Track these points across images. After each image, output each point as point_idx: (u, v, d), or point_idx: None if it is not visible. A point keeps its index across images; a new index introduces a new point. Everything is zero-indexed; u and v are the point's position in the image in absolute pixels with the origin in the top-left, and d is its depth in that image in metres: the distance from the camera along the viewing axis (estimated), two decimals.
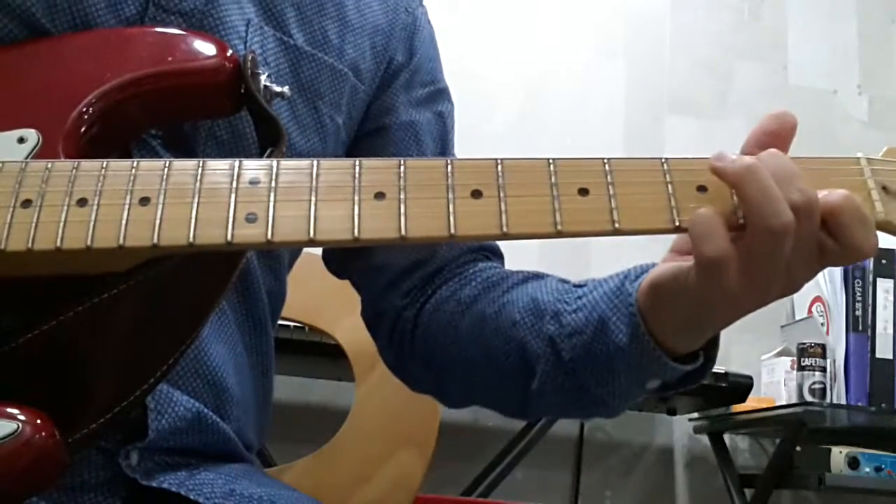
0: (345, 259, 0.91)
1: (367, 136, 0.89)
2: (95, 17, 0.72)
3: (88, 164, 0.61)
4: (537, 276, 0.81)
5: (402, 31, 0.90)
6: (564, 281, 0.78)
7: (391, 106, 0.89)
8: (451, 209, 0.59)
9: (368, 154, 0.86)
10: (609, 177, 0.61)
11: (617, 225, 0.59)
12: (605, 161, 0.61)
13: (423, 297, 0.86)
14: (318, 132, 0.81)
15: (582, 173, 0.61)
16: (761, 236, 0.58)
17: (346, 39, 0.84)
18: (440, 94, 0.93)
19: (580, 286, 0.75)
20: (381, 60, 0.88)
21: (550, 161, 0.61)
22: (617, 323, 0.68)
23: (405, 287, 0.86)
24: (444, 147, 0.93)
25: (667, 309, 0.65)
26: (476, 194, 0.59)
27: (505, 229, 0.59)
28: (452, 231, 0.58)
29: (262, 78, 0.72)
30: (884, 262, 2.22)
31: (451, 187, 0.60)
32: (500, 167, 0.60)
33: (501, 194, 0.59)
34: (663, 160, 0.62)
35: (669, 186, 0.61)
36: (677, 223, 0.60)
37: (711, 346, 0.69)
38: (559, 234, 0.59)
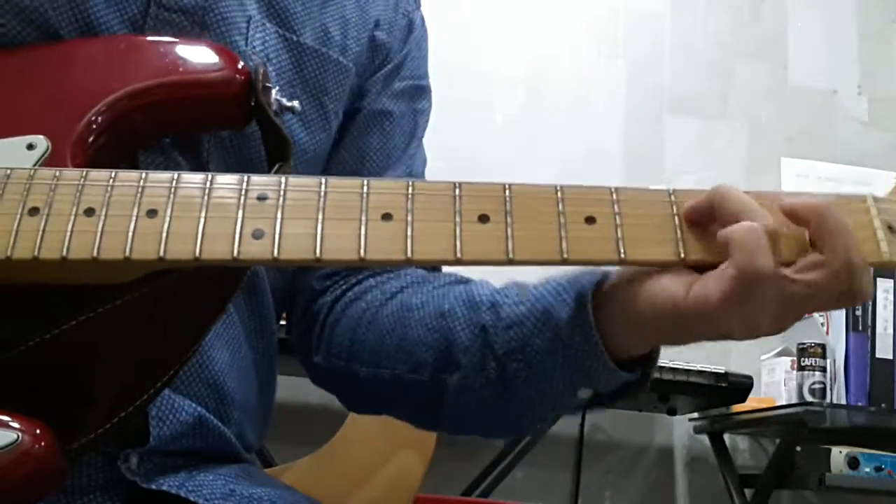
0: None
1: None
2: (97, 15, 0.72)
3: (97, 174, 0.60)
4: (465, 281, 0.78)
5: (399, 31, 0.90)
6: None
7: (367, 91, 0.88)
8: (457, 233, 0.59)
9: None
10: (616, 206, 0.61)
11: (623, 255, 0.60)
12: (613, 190, 0.61)
13: (346, 285, 0.83)
14: (324, 129, 0.81)
15: (589, 202, 0.61)
16: (836, 271, 0.59)
17: (348, 35, 0.84)
18: (421, 92, 0.93)
19: (520, 287, 0.72)
20: (377, 55, 0.88)
21: (558, 188, 0.61)
22: (563, 314, 0.66)
23: (325, 271, 0.84)
24: (408, 144, 0.91)
25: (629, 306, 0.63)
26: (483, 219, 0.59)
27: (511, 255, 0.59)
28: (459, 255, 0.58)
29: (273, 92, 0.72)
30: None
31: (458, 211, 0.59)
32: (507, 192, 0.60)
33: (509, 220, 0.59)
34: (671, 191, 0.62)
35: (676, 219, 0.61)
36: (682, 255, 0.60)
37: (649, 363, 0.68)
38: (565, 262, 0.59)
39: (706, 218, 0.61)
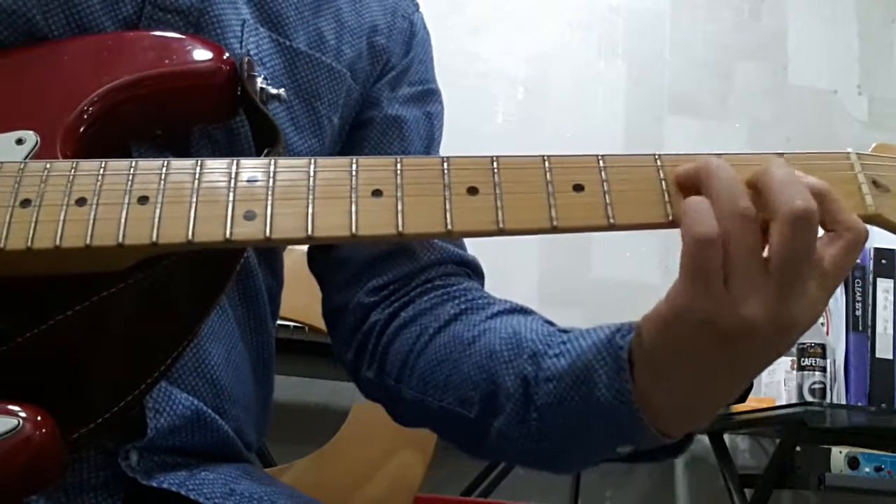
0: (311, 251, 0.88)
1: (350, 130, 0.88)
2: (91, 17, 0.72)
3: (87, 164, 0.61)
4: (523, 311, 0.77)
5: (399, 34, 0.90)
6: (550, 323, 0.74)
7: (375, 99, 0.88)
8: (447, 206, 0.59)
9: (350, 147, 0.86)
10: (603, 173, 0.61)
11: (612, 220, 0.60)
12: (600, 157, 0.62)
13: (398, 302, 0.81)
14: (315, 133, 0.81)
15: (576, 170, 0.61)
16: (782, 225, 0.56)
17: (343, 40, 0.84)
18: (430, 95, 0.93)
19: (565, 331, 0.71)
20: (377, 61, 0.88)
21: (545, 158, 0.61)
22: (602, 377, 0.64)
23: (373, 284, 0.82)
24: (429, 148, 0.91)
25: (657, 365, 0.62)
26: (472, 191, 0.60)
27: (501, 225, 0.59)
28: (449, 227, 0.59)
29: (259, 80, 0.73)
30: (884, 262, 2.22)
31: (447, 185, 0.60)
32: (495, 164, 0.61)
33: (497, 191, 0.60)
34: (657, 156, 0.62)
35: (663, 182, 0.61)
36: (671, 217, 0.60)
37: (686, 439, 0.68)
38: (554, 230, 0.59)
39: (694, 186, 0.60)
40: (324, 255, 0.87)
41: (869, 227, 0.62)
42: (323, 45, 0.82)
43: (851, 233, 0.58)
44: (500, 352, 0.71)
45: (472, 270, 0.86)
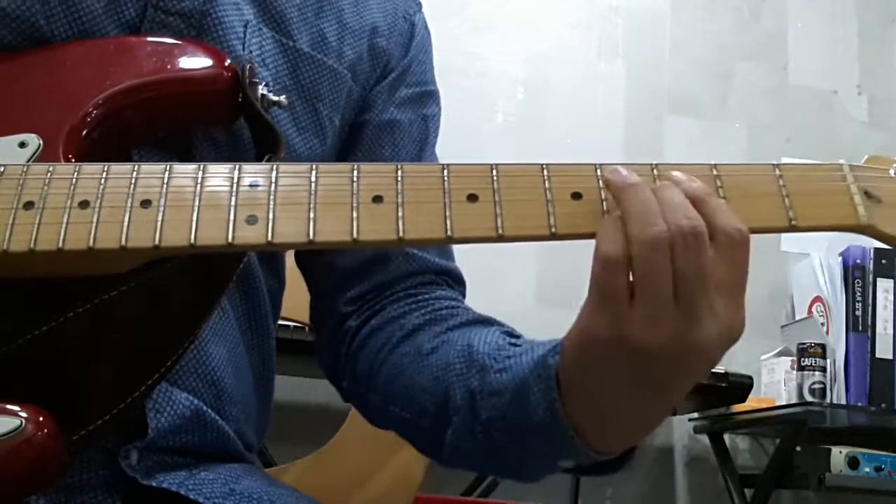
0: (297, 253, 0.89)
1: (345, 131, 0.88)
2: (93, 21, 0.72)
3: (90, 168, 0.61)
4: (485, 322, 0.78)
5: (399, 35, 0.90)
6: (510, 334, 0.75)
7: (373, 102, 0.88)
8: (447, 213, 0.60)
9: (344, 150, 0.86)
10: (601, 181, 0.62)
11: None
12: (597, 166, 0.62)
13: (370, 311, 0.83)
14: (317, 134, 0.81)
15: (575, 177, 0.62)
16: (639, 248, 0.57)
17: (344, 41, 0.84)
18: (428, 97, 0.93)
19: (516, 345, 0.72)
20: (377, 63, 0.88)
21: (544, 166, 0.62)
22: (536, 394, 0.65)
23: (352, 293, 0.84)
24: (421, 151, 0.91)
25: (576, 383, 0.62)
26: (472, 198, 0.60)
27: (501, 231, 0.60)
28: (450, 233, 0.59)
29: (260, 87, 0.73)
30: (884, 262, 2.23)
31: (447, 192, 0.60)
32: (494, 172, 0.62)
33: (497, 198, 0.60)
34: (653, 165, 0.63)
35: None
36: None
37: (627, 454, 0.68)
38: (553, 237, 0.60)
39: None
40: (309, 261, 0.87)
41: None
42: (325, 46, 0.82)
43: (725, 235, 0.58)
44: (453, 364, 0.73)
45: (453, 280, 0.87)
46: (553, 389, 0.64)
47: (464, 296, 0.87)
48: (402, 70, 0.90)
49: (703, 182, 0.61)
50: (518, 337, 0.74)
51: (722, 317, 0.58)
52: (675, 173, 0.61)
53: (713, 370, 2.09)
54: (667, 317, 0.57)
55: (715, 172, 0.63)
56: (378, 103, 0.88)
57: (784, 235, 2.49)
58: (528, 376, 0.66)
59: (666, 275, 0.56)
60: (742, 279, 0.59)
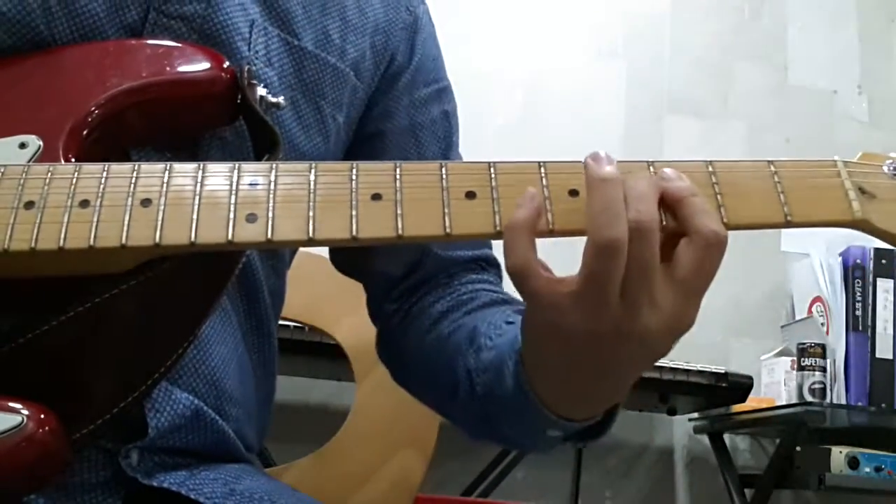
0: (349, 262, 0.94)
1: (367, 140, 0.89)
2: (95, 25, 0.72)
3: (90, 167, 0.61)
4: (500, 303, 0.84)
5: (402, 30, 0.89)
6: (518, 312, 0.77)
7: (392, 110, 0.89)
8: (446, 210, 0.60)
9: (367, 158, 0.86)
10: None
11: None
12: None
13: (408, 304, 0.89)
14: (320, 132, 0.82)
15: (572, 175, 0.62)
16: (591, 249, 0.58)
17: (347, 39, 0.84)
18: (445, 92, 0.93)
19: (511, 322, 0.76)
20: (380, 60, 0.88)
21: (541, 164, 0.63)
22: (510, 368, 0.69)
23: (395, 293, 0.89)
24: (447, 146, 0.92)
25: (531, 360, 0.66)
26: (470, 195, 0.61)
27: (499, 228, 0.60)
28: (448, 230, 0.60)
29: (259, 88, 0.73)
30: (884, 262, 2.22)
31: (446, 189, 0.61)
32: (492, 170, 0.62)
33: (494, 195, 0.61)
34: (649, 163, 0.63)
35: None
36: (664, 223, 0.61)
37: (612, 407, 0.70)
38: (552, 234, 0.61)
39: None
40: (362, 267, 0.92)
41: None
42: (328, 45, 0.83)
43: (699, 237, 0.59)
44: (460, 345, 0.79)
45: (486, 262, 0.92)
46: (518, 363, 0.67)
47: (499, 276, 0.91)
48: (415, 69, 0.90)
49: (698, 178, 0.62)
50: (511, 317, 0.78)
51: (666, 309, 0.59)
52: (667, 170, 0.62)
53: (713, 370, 2.10)
54: (608, 308, 0.59)
55: (710, 169, 0.63)
56: (399, 109, 0.89)
57: (784, 236, 2.49)
58: (504, 353, 0.70)
59: (615, 274, 0.58)
60: (706, 281, 0.60)
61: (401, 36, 0.89)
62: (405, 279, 0.89)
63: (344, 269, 0.94)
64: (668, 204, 0.60)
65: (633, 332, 0.59)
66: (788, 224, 0.63)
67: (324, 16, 0.83)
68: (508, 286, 0.83)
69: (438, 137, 0.91)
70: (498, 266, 0.92)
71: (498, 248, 0.65)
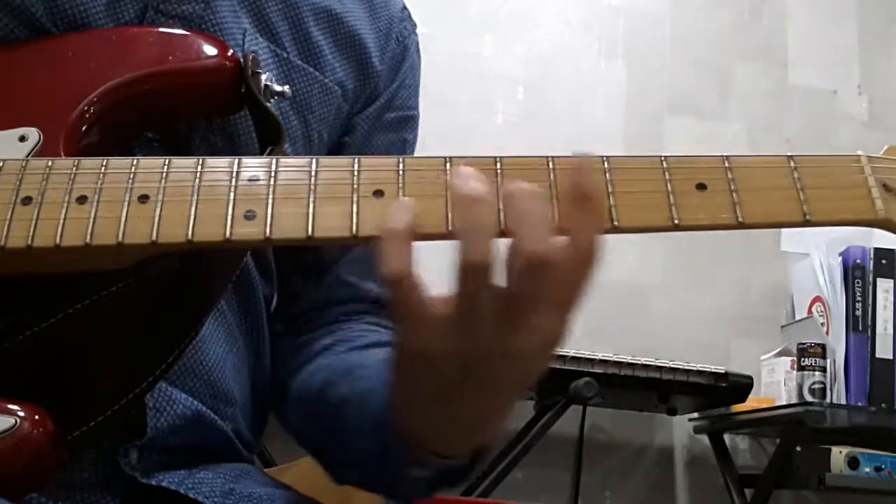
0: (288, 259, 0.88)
1: (330, 152, 0.87)
2: (94, 20, 0.72)
3: (89, 162, 0.61)
4: (368, 346, 0.79)
5: (390, 59, 0.89)
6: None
7: (356, 126, 0.87)
8: (449, 206, 0.59)
9: None
10: (608, 174, 0.60)
11: (616, 223, 0.59)
12: (605, 158, 0.61)
13: (298, 331, 0.84)
14: (305, 145, 0.81)
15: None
16: (459, 270, 0.55)
17: (337, 58, 0.84)
18: (409, 122, 0.92)
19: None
20: (366, 83, 0.87)
21: (549, 159, 0.61)
22: (379, 402, 0.66)
23: (289, 314, 0.86)
24: None
25: (400, 385, 0.62)
26: None
27: (503, 226, 0.58)
28: (451, 227, 0.58)
29: (263, 77, 0.72)
30: (884, 262, 2.22)
31: (449, 185, 0.59)
32: (498, 165, 0.60)
33: (499, 192, 0.59)
34: (663, 158, 0.61)
35: (668, 184, 0.60)
36: (676, 221, 0.60)
37: (478, 454, 0.65)
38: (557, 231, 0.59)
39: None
40: (282, 267, 0.86)
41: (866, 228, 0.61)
42: (318, 61, 0.82)
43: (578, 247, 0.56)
44: (334, 376, 0.75)
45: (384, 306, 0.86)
46: (385, 397, 0.64)
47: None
48: (389, 96, 0.89)
49: (713, 174, 0.60)
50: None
51: (539, 331, 0.56)
52: (523, 184, 0.57)
53: (713, 370, 2.10)
54: (479, 329, 0.55)
55: (727, 164, 0.61)
56: (363, 127, 0.87)
57: (784, 236, 2.49)
58: (376, 384, 0.67)
59: (484, 294, 0.54)
60: (576, 299, 0.56)
61: (389, 64, 0.89)
62: (299, 298, 0.85)
63: (278, 262, 0.88)
64: (511, 229, 0.56)
65: (506, 354, 0.56)
66: (807, 223, 0.59)
67: (313, 32, 0.82)
68: None
69: None
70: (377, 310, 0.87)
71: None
